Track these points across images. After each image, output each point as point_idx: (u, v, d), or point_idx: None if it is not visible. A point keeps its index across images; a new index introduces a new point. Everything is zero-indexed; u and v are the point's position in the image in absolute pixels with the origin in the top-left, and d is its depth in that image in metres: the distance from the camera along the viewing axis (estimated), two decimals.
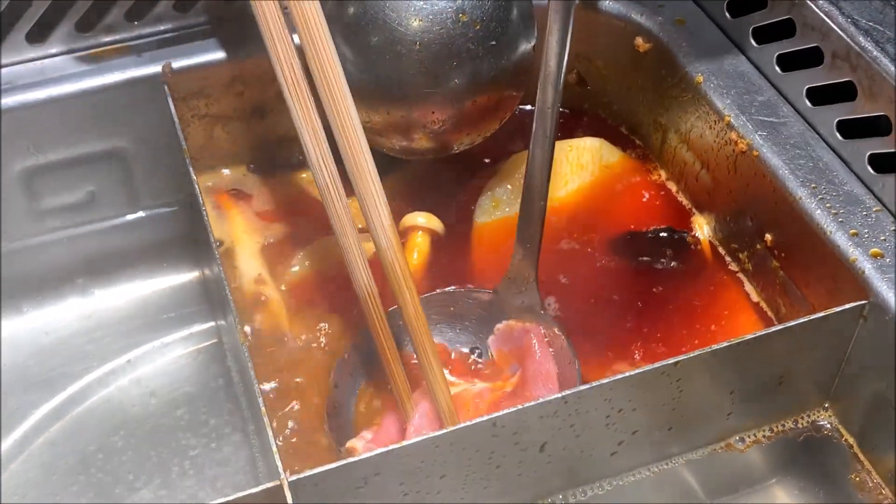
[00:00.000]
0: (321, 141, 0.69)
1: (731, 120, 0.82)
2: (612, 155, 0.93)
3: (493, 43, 0.80)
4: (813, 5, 0.78)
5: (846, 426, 0.78)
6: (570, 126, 0.96)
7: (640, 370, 0.68)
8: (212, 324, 0.91)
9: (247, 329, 0.84)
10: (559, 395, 0.66)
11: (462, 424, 0.65)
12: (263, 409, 0.67)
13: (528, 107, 0.92)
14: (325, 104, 0.68)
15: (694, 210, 0.90)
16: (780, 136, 0.80)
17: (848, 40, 0.76)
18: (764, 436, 0.78)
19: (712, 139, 0.84)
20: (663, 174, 0.93)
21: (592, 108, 0.98)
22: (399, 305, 0.73)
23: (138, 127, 0.87)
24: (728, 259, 0.87)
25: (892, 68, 0.73)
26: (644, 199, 0.91)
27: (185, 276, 0.94)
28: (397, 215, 0.87)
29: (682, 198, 0.91)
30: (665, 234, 0.88)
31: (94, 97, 0.85)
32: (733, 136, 0.81)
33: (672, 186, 0.92)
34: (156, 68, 0.86)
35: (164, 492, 0.80)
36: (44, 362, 0.88)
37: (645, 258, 0.87)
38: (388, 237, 0.71)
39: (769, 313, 0.83)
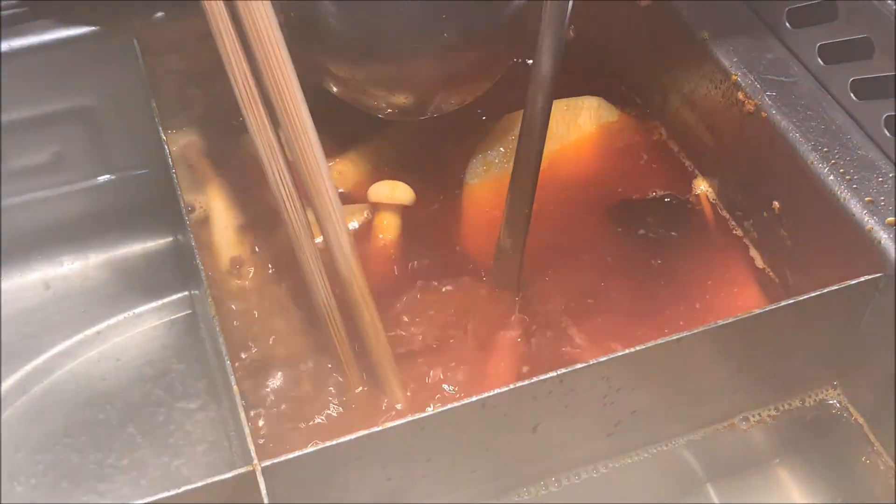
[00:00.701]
0: (276, 154, 0.68)
1: (739, 79, 0.77)
2: (611, 114, 0.89)
3: None
4: None
5: (856, 405, 0.74)
6: (565, 83, 0.90)
7: (641, 347, 0.64)
8: (186, 293, 0.87)
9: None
10: (554, 374, 0.63)
11: (449, 406, 0.61)
12: (235, 387, 0.63)
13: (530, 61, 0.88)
14: (281, 119, 0.67)
15: (697, 172, 0.86)
16: (791, 96, 0.76)
17: None
18: (769, 415, 0.74)
19: (718, 99, 0.80)
20: (664, 134, 0.89)
21: (590, 64, 0.93)
22: (357, 323, 0.71)
23: (106, 84, 0.83)
24: (732, 224, 0.82)
25: None
26: (644, 160, 0.87)
27: (158, 242, 0.91)
28: (378, 181, 0.84)
29: (684, 159, 0.87)
30: (667, 200, 0.84)
31: (58, 51, 0.80)
32: (740, 95, 0.77)
33: (674, 147, 0.88)
34: (125, 21, 0.81)
35: (134, 473, 0.77)
36: (9, 333, 0.84)
37: (644, 224, 0.82)
38: (344, 253, 0.69)
39: (776, 280, 0.79)
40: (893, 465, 0.72)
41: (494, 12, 0.77)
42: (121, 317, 0.86)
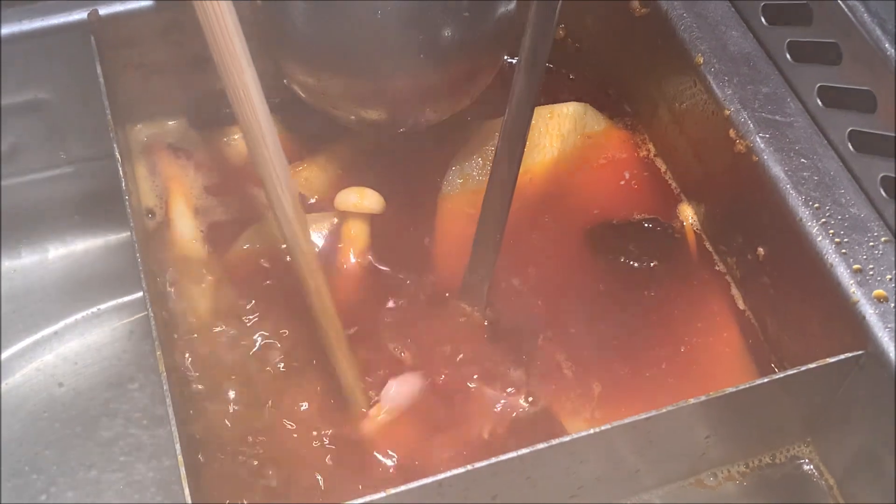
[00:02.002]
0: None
1: (731, 115, 0.73)
2: (597, 123, 0.84)
3: (467, 13, 0.70)
4: None
5: (828, 465, 0.72)
6: (553, 85, 0.86)
7: (608, 426, 0.61)
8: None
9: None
10: (515, 455, 0.60)
11: (402, 488, 0.59)
12: (176, 433, 0.60)
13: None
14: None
15: (683, 197, 0.82)
16: (785, 139, 0.71)
17: (872, 44, 0.66)
18: (738, 472, 0.72)
19: (708, 130, 0.76)
20: (652, 149, 0.84)
21: (580, 66, 0.87)
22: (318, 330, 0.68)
23: (64, 77, 0.79)
24: (716, 258, 0.79)
25: None
26: (628, 178, 0.83)
27: (119, 235, 0.87)
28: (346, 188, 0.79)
29: (670, 180, 0.83)
30: (648, 225, 0.80)
31: (13, 45, 0.75)
32: (732, 133, 0.72)
33: (661, 166, 0.83)
34: (81, 14, 0.76)
35: (89, 487, 0.75)
36: None
37: (623, 255, 0.78)
38: (290, 218, 0.67)
39: (756, 325, 0.76)
40: None
41: (479, 21, 0.72)
42: (80, 315, 0.83)
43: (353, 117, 0.75)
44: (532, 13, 0.60)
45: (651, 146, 0.84)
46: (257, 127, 0.65)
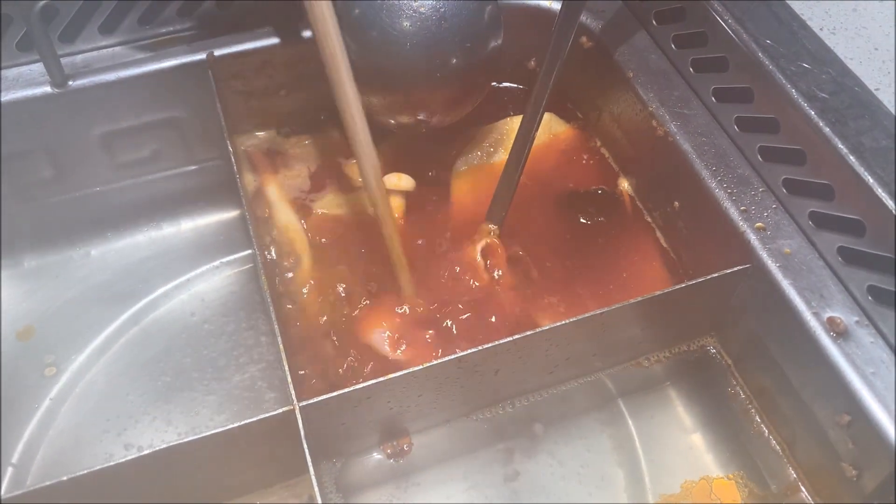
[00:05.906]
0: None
1: (653, 110, 0.74)
2: (560, 126, 0.86)
3: (469, 45, 0.72)
4: (723, 23, 0.70)
5: (727, 351, 0.73)
6: (524, 102, 0.87)
7: (574, 319, 0.63)
8: (250, 251, 0.85)
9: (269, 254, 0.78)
10: (510, 339, 0.62)
11: (435, 362, 0.61)
12: (280, 342, 0.62)
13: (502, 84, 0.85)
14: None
15: (621, 173, 0.83)
16: (691, 125, 0.72)
17: (750, 55, 0.68)
18: (664, 356, 0.73)
19: (638, 123, 0.77)
20: (598, 143, 0.85)
21: None
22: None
23: (189, 101, 0.80)
24: (645, 213, 0.80)
25: (783, 80, 0.65)
26: (583, 162, 0.84)
27: (231, 213, 0.88)
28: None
29: (612, 163, 0.84)
30: (597, 193, 0.81)
31: (153, 78, 0.77)
32: (654, 123, 0.74)
33: (605, 153, 0.84)
34: (201, 56, 0.77)
35: (216, 384, 0.77)
36: (124, 280, 0.83)
37: (581, 214, 0.79)
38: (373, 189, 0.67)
39: (674, 257, 0.77)
40: (750, 396, 0.71)
41: (475, 56, 0.73)
42: (203, 268, 0.84)
43: (391, 122, 0.77)
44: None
45: (597, 139, 0.85)
46: (354, 121, 0.67)
